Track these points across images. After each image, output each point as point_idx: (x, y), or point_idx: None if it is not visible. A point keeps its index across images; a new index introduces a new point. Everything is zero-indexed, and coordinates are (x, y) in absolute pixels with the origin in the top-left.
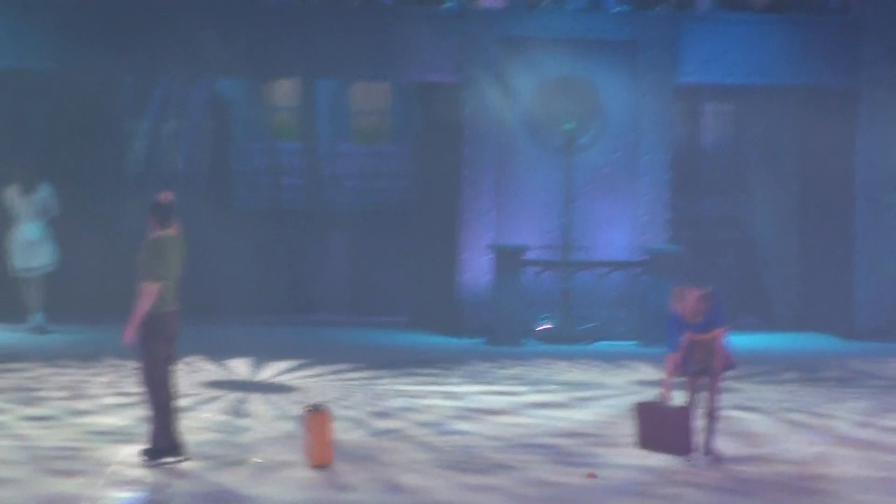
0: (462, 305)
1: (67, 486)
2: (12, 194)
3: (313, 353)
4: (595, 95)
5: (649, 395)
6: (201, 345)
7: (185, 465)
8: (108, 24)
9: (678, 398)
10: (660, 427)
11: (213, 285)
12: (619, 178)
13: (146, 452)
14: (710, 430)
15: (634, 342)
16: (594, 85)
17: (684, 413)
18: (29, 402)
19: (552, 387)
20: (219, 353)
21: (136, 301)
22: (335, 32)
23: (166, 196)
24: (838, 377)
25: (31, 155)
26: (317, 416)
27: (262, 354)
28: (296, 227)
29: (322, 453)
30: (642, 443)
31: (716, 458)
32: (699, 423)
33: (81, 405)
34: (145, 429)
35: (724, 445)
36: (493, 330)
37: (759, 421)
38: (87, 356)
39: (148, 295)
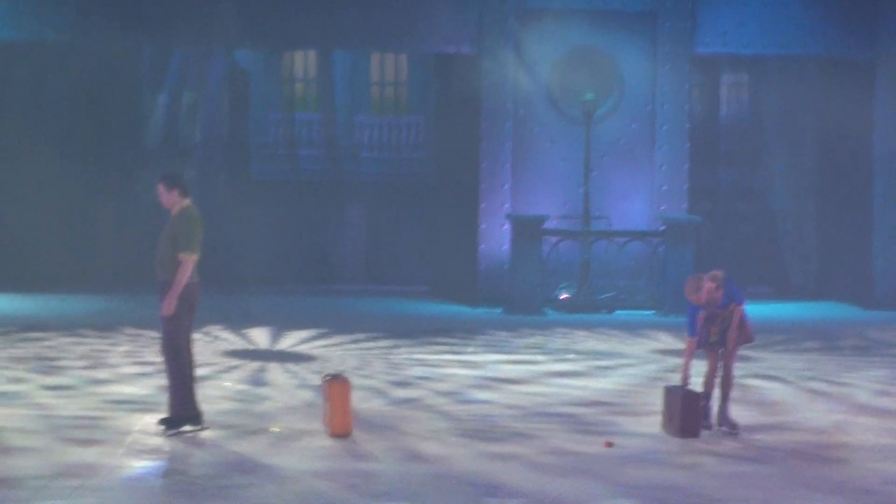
0: (480, 275)
1: (87, 454)
2: None
3: (332, 323)
4: (613, 66)
5: (667, 364)
6: (221, 315)
7: (205, 434)
8: None
9: (698, 369)
10: (673, 410)
11: (232, 256)
12: (637, 148)
13: (165, 422)
14: (725, 400)
15: (653, 311)
16: (612, 56)
17: (696, 398)
18: (49, 371)
19: (571, 356)
20: (238, 322)
21: (175, 272)
22: (353, 4)
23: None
24: (857, 346)
25: (50, 126)
26: (336, 384)
27: (281, 324)
28: (314, 197)
29: (342, 422)
30: (662, 425)
31: (731, 427)
32: (715, 392)
33: (101, 374)
34: (164, 398)
35: (744, 414)
36: (512, 299)
37: (778, 389)
38: (106, 325)
39: (190, 265)
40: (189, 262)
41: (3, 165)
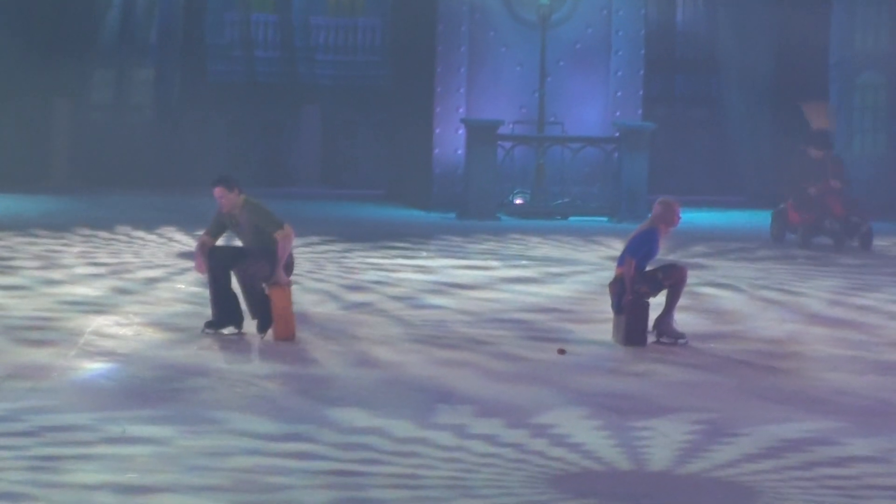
0: (435, 180)
1: (39, 355)
2: None
3: None
4: None
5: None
6: (174, 216)
7: (156, 337)
8: None
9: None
10: (620, 318)
11: (187, 157)
12: (592, 54)
13: (263, 328)
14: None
15: (606, 218)
16: None
17: (643, 307)
18: (2, 271)
19: (524, 262)
20: (191, 224)
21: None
22: None
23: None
24: (810, 255)
25: (3, 24)
26: (276, 289)
27: None
28: (270, 100)
29: (283, 327)
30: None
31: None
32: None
33: (54, 275)
34: (118, 300)
35: (696, 322)
36: (466, 204)
37: (732, 298)
38: (60, 226)
39: (292, 235)
40: (290, 234)
41: None
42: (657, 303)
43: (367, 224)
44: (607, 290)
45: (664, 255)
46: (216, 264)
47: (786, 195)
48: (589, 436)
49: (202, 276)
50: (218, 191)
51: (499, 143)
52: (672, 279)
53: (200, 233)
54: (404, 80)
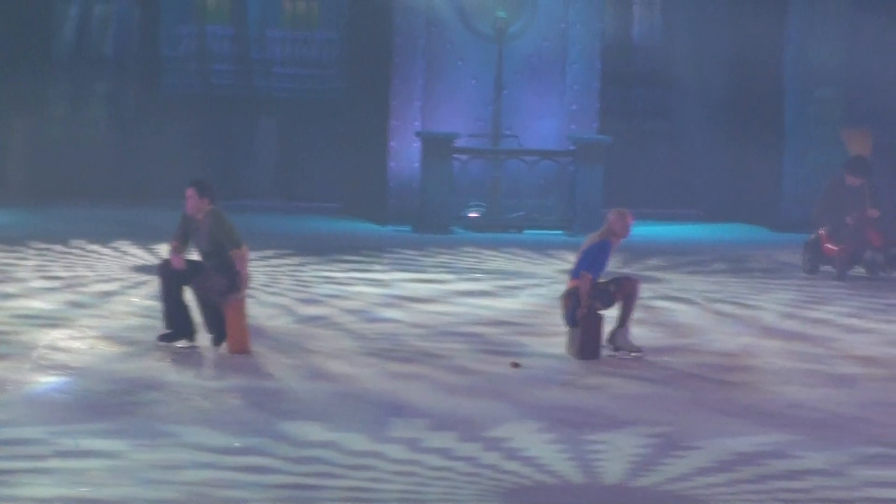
0: (390, 193)
1: None
2: None
3: None
4: None
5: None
6: (129, 229)
7: (110, 350)
8: None
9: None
10: (574, 331)
11: (141, 170)
12: (548, 67)
13: (218, 340)
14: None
15: (562, 231)
16: None
17: (597, 319)
18: None
19: (478, 275)
20: (146, 237)
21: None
22: None
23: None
24: (765, 268)
25: None
26: (230, 304)
27: None
28: (225, 113)
29: (238, 340)
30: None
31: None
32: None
33: (8, 289)
34: (75, 312)
35: (650, 336)
36: (421, 218)
37: (686, 311)
38: (14, 239)
39: (248, 255)
40: (245, 256)
41: None
42: (611, 315)
43: (322, 237)
44: (560, 303)
45: (618, 267)
46: (171, 277)
47: (818, 224)
48: (542, 449)
49: (159, 291)
50: (189, 191)
51: (454, 156)
52: (624, 292)
53: (154, 246)
54: (361, 93)
